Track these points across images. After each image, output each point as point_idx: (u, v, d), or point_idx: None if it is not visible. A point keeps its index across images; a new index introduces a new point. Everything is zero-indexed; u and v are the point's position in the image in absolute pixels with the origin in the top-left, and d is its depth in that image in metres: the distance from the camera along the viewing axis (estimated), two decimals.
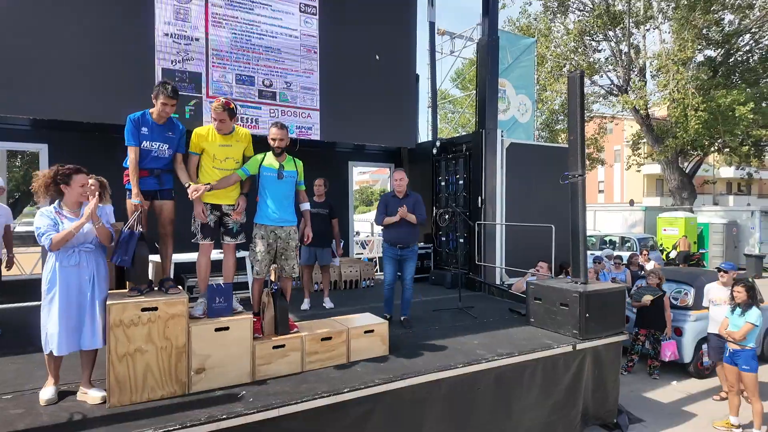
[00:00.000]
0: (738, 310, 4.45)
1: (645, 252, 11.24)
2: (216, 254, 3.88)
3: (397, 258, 4.93)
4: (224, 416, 2.80)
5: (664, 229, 16.39)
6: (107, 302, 2.98)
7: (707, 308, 5.41)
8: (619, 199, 33.27)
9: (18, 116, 5.36)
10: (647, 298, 5.90)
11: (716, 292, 5.26)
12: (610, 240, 14.98)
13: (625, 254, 11.89)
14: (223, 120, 3.55)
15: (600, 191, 35.21)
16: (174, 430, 2.65)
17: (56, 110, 5.30)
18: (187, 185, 3.52)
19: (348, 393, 3.21)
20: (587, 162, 20.84)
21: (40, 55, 5.13)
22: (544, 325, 4.74)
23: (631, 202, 23.24)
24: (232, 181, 3.68)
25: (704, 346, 5.86)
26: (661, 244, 15.39)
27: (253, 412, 2.88)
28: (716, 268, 5.45)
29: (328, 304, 5.71)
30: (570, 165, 4.86)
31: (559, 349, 4.19)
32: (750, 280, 4.60)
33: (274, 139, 3.83)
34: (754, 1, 16.20)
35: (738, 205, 25.19)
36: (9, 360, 3.68)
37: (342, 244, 6.47)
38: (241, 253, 4.20)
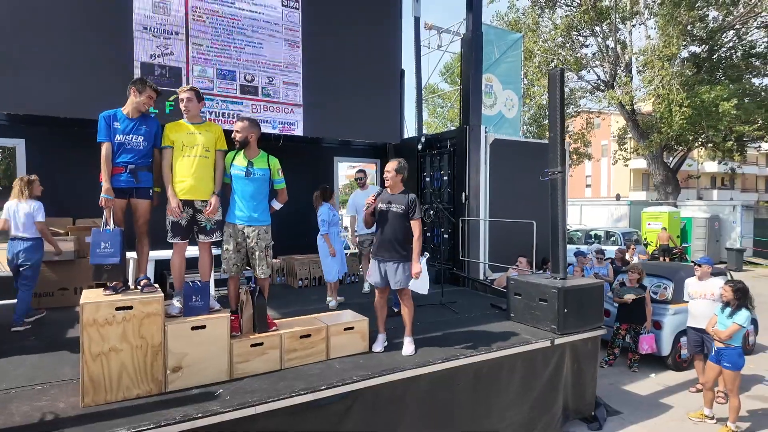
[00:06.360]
0: (728, 309, 4.49)
1: (632, 247, 11.41)
2: (194, 251, 3.85)
3: None
4: (199, 415, 2.79)
5: (649, 224, 16.60)
6: (81, 301, 2.95)
7: (687, 302, 5.50)
8: (606, 193, 33.62)
9: None
10: (629, 297, 5.96)
11: (694, 286, 5.36)
12: (595, 234, 15.14)
13: (609, 248, 12.07)
14: (190, 99, 3.56)
15: (587, 186, 35.57)
16: (148, 429, 2.63)
17: (33, 105, 5.20)
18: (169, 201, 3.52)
19: (326, 390, 3.21)
20: (574, 157, 21.01)
21: (16, 49, 5.03)
22: (523, 321, 4.78)
23: (617, 197, 23.51)
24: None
25: (682, 339, 5.97)
26: (645, 239, 15.60)
27: (229, 411, 2.87)
28: (692, 261, 5.54)
29: None
30: (550, 162, 4.88)
31: (537, 345, 4.23)
32: (742, 283, 4.62)
33: (233, 132, 3.69)
34: None
35: (721, 200, 25.59)
36: None
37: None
38: (217, 251, 4.13)
